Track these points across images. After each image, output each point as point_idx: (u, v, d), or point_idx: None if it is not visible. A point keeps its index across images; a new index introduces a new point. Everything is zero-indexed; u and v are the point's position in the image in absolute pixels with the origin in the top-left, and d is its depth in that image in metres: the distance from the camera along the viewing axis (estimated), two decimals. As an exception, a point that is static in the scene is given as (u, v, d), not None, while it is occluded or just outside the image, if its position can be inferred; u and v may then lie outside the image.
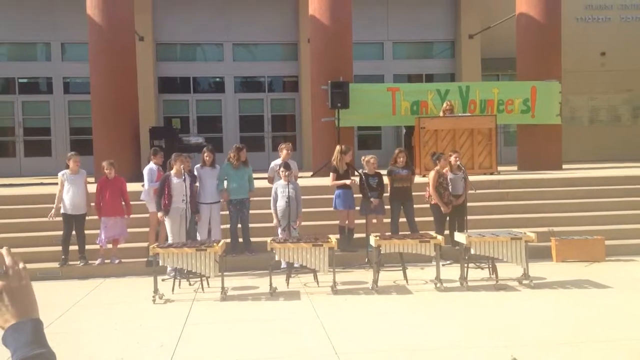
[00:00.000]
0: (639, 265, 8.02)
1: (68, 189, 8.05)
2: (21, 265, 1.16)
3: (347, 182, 8.42)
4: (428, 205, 8.47)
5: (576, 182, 10.51)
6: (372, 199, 8.20)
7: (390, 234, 7.80)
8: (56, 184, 8.33)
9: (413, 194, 8.61)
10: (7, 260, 1.14)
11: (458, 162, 8.37)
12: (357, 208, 8.52)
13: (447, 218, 8.34)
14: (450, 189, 8.30)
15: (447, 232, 8.16)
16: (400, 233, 7.93)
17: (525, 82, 13.42)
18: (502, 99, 13.06)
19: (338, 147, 8.83)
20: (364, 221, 8.18)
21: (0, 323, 1.11)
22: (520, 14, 13.92)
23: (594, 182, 10.55)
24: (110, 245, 8.20)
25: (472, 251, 6.92)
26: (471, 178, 8.61)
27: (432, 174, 8.34)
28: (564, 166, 13.45)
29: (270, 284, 6.73)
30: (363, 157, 8.64)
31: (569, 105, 18.32)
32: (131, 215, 8.36)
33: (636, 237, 8.93)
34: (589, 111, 19.70)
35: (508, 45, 15.43)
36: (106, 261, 8.15)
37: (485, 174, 11.42)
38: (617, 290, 6.65)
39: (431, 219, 8.42)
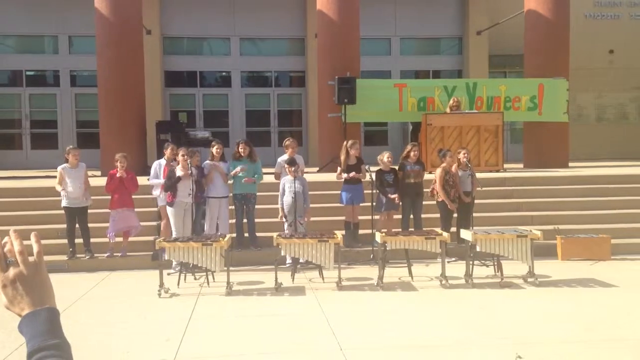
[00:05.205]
0: (645, 265, 8.00)
1: (68, 182, 8.07)
2: (35, 250, 1.14)
3: (352, 174, 8.41)
4: (434, 202, 8.46)
5: (582, 180, 10.48)
6: (391, 195, 8.23)
7: (396, 230, 7.81)
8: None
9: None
10: (16, 245, 1.12)
11: (465, 160, 8.36)
12: (366, 204, 8.50)
13: (454, 215, 8.34)
14: (459, 186, 8.30)
15: (453, 229, 8.15)
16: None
17: (533, 80, 13.36)
18: (509, 96, 13.01)
19: (345, 142, 8.84)
20: (369, 217, 8.19)
21: (17, 311, 1.10)
22: (529, 10, 13.84)
23: (600, 180, 10.51)
24: (120, 239, 8.24)
25: (478, 248, 6.91)
26: (477, 175, 8.60)
27: (438, 171, 8.33)
28: (570, 164, 13.40)
29: (276, 279, 6.75)
30: (378, 156, 8.62)
31: (576, 103, 18.23)
32: (138, 209, 8.40)
33: (642, 236, 8.91)
34: (596, 109, 19.59)
35: (516, 42, 15.35)
36: (116, 254, 8.18)
37: (491, 171, 11.40)
38: (623, 289, 6.63)
39: (437, 215, 8.42)
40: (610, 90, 19.43)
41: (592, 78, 18.74)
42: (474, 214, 8.15)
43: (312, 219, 8.31)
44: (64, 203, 8.09)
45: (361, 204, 8.60)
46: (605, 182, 10.45)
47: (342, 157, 8.62)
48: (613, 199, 9.86)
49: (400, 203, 8.43)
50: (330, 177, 9.92)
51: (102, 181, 8.70)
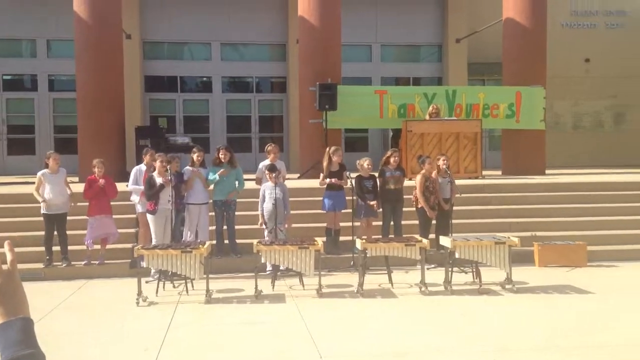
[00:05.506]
0: (619, 271, 8.15)
1: (48, 188, 7.95)
2: (9, 258, 1.13)
3: (333, 180, 8.43)
4: (414, 209, 8.51)
5: (559, 188, 10.64)
6: (371, 202, 8.26)
7: (376, 237, 7.84)
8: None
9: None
10: None
11: (445, 166, 8.42)
12: (347, 211, 8.50)
13: (433, 221, 8.40)
14: (438, 193, 8.36)
15: (432, 235, 8.21)
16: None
17: (511, 87, 13.55)
18: (488, 103, 13.18)
19: (327, 149, 8.85)
20: (349, 224, 8.21)
21: None
22: (507, 19, 14.05)
23: (577, 187, 10.68)
24: (97, 246, 8.13)
25: (457, 255, 6.97)
26: (456, 182, 8.67)
27: (418, 177, 8.38)
28: (547, 171, 13.60)
29: (256, 287, 6.72)
30: (358, 161, 8.65)
31: (553, 111, 18.52)
32: (116, 216, 8.31)
33: (617, 243, 9.06)
34: (572, 117, 19.94)
35: (494, 50, 15.56)
36: (93, 262, 8.07)
37: (470, 178, 11.51)
38: (598, 296, 6.74)
39: (416, 222, 8.47)
40: (587, 99, 19.79)
41: (569, 86, 19.08)
42: (453, 221, 8.21)
43: (293, 225, 8.30)
44: (43, 210, 7.96)
45: (342, 211, 8.61)
46: (581, 189, 10.62)
47: (325, 164, 8.63)
48: (589, 206, 10.01)
49: (380, 210, 8.47)
50: (311, 183, 9.93)
51: (80, 187, 8.58)
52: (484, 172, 12.26)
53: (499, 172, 13.75)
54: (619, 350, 4.90)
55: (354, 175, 8.49)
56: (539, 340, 5.16)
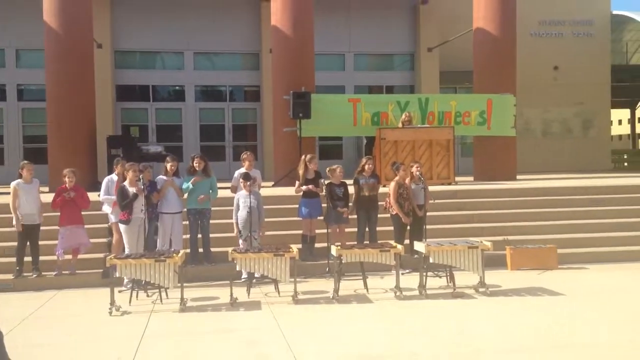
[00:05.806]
0: (589, 273, 8.33)
1: (22, 199, 7.82)
2: None
3: (310, 187, 8.45)
4: (389, 215, 8.57)
5: (529, 193, 10.84)
6: (341, 209, 8.29)
7: (351, 243, 7.87)
8: (8, 193, 8.07)
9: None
10: None
11: (418, 173, 8.51)
12: (322, 218, 8.53)
13: (407, 227, 8.48)
14: (412, 199, 8.44)
15: (406, 241, 8.28)
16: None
17: (482, 95, 13.78)
18: (460, 111, 13.37)
19: (303, 157, 8.87)
20: (324, 230, 8.24)
21: None
22: (477, 28, 14.31)
23: (547, 192, 10.90)
24: (69, 256, 8.00)
25: (431, 260, 7.04)
26: (430, 188, 8.76)
27: (392, 184, 8.45)
28: (518, 177, 13.84)
29: (231, 295, 6.69)
30: (328, 168, 8.68)
31: (523, 118, 18.91)
32: (88, 226, 8.20)
33: (587, 246, 9.26)
34: (542, 123, 20.38)
35: (466, 58, 15.83)
36: (64, 272, 7.94)
37: (443, 184, 11.66)
38: (569, 298, 6.87)
39: (391, 228, 8.53)
40: (555, 106, 20.26)
41: (538, 94, 19.51)
42: (427, 226, 8.29)
43: (268, 232, 8.28)
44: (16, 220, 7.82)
45: (318, 217, 8.63)
46: (551, 194, 10.83)
47: (301, 172, 8.65)
48: (558, 210, 10.21)
49: (350, 216, 8.51)
50: (286, 191, 9.94)
51: (50, 198, 8.44)
52: (457, 179, 12.43)
53: (471, 178, 13.95)
54: (590, 351, 5.00)
55: (326, 182, 8.53)
56: (512, 342, 5.24)
